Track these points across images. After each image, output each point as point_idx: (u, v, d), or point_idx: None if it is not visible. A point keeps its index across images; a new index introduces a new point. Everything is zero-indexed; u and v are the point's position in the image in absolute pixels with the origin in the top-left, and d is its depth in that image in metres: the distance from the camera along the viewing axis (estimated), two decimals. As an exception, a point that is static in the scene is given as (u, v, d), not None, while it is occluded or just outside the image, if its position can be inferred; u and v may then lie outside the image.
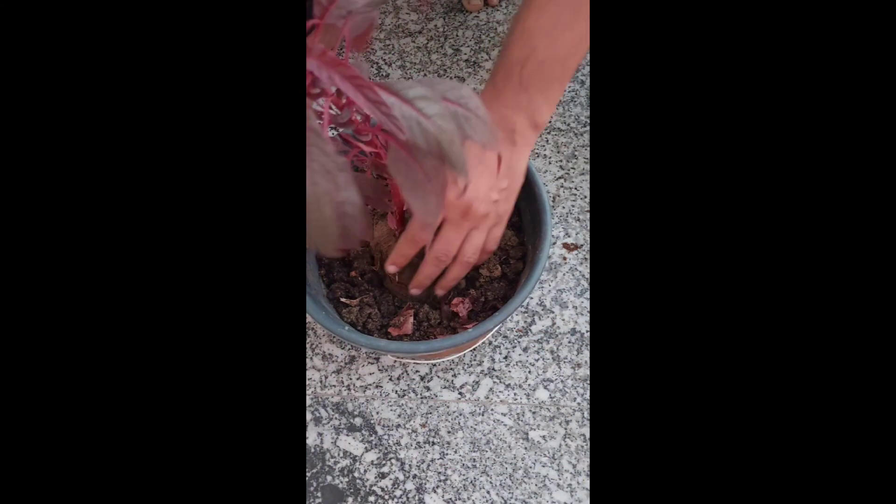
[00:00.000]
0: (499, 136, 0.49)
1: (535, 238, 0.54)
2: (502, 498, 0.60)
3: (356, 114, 0.37)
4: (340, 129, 0.40)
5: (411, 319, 0.56)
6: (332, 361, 0.67)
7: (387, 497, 0.61)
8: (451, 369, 0.65)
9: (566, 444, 0.62)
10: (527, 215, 0.58)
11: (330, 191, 0.29)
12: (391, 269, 0.54)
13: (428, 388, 0.65)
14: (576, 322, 0.67)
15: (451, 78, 0.80)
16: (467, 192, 0.48)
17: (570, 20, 0.46)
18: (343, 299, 0.58)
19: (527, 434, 0.63)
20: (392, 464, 0.62)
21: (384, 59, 0.82)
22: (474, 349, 0.66)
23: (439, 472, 0.62)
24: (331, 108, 0.35)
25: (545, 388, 0.64)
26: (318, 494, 0.62)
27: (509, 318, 0.67)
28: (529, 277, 0.52)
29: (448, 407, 0.64)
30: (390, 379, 0.66)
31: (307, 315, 0.53)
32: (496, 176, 0.49)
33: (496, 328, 0.59)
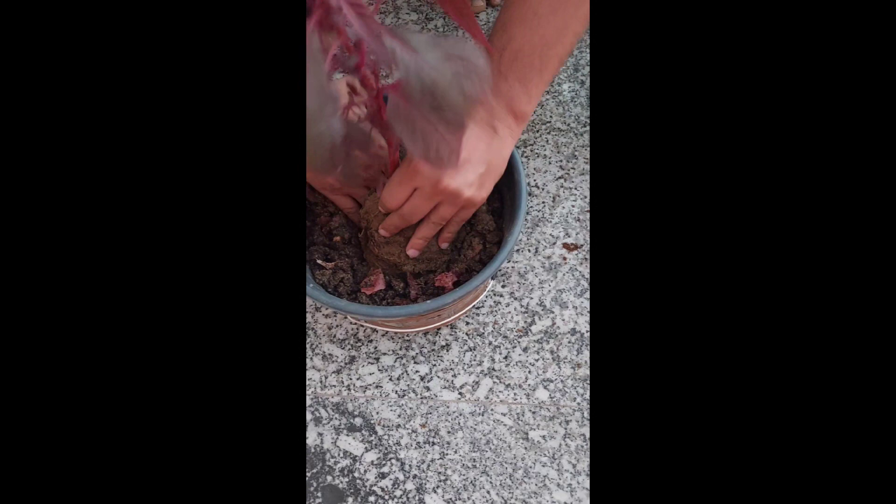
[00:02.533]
0: (476, 122, 0.49)
1: (511, 224, 0.55)
2: (502, 498, 0.60)
3: (363, 60, 0.37)
4: (346, 75, 0.40)
5: (382, 276, 0.57)
6: (332, 361, 0.67)
7: (387, 497, 0.61)
8: (451, 369, 0.66)
9: (566, 444, 0.62)
10: (507, 201, 0.58)
11: (320, 111, 0.30)
12: (413, 253, 0.55)
13: (428, 388, 0.65)
14: (576, 322, 0.67)
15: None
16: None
17: (549, 12, 0.47)
18: (319, 261, 0.59)
19: (527, 434, 0.63)
20: (392, 464, 0.62)
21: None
22: (473, 349, 0.66)
23: (439, 472, 0.62)
24: (338, 49, 0.34)
25: (545, 388, 0.64)
26: (318, 494, 0.62)
27: (509, 318, 0.67)
28: (493, 261, 0.52)
29: (448, 407, 0.64)
30: (390, 379, 0.66)
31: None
32: (475, 161, 0.49)
33: (465, 311, 0.59)
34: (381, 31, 0.31)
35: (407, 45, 0.33)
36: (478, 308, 0.68)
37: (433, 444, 0.63)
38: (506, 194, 0.59)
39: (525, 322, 0.67)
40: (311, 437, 0.64)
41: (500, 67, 0.49)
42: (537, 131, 0.77)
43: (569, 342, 0.66)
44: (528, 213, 0.72)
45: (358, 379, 0.66)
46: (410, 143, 0.36)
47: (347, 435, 0.64)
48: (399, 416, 0.64)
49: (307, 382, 0.66)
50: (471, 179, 0.49)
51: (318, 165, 0.33)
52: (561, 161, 0.75)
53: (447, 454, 0.62)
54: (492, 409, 0.64)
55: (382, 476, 0.62)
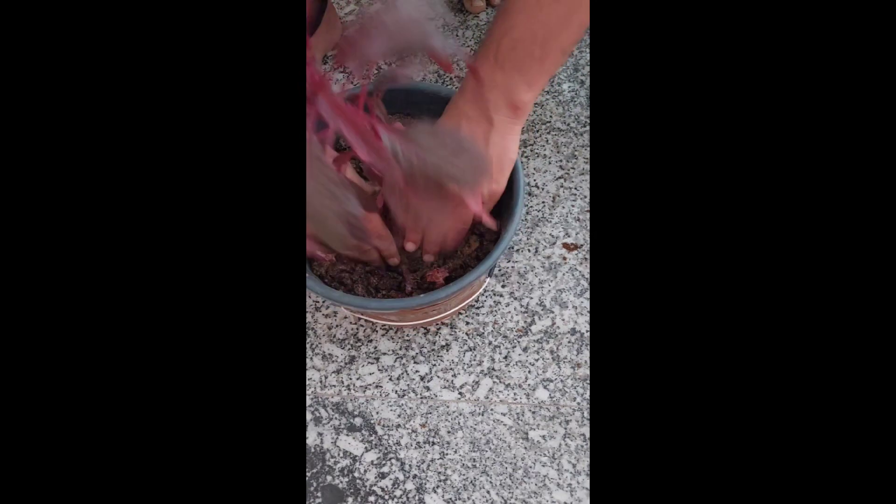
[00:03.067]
0: (474, 116, 0.50)
1: (508, 221, 0.55)
2: (502, 498, 0.60)
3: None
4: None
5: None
6: (332, 361, 0.67)
7: (387, 497, 0.61)
8: (451, 369, 0.66)
9: (566, 444, 0.62)
10: (505, 199, 0.58)
11: (335, 207, 0.34)
12: (410, 247, 0.57)
13: (428, 388, 0.65)
14: (576, 322, 0.67)
15: (449, 77, 0.80)
16: None
17: (552, 0, 0.46)
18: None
19: (527, 434, 0.63)
20: (392, 464, 0.62)
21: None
22: (473, 349, 0.66)
23: (439, 472, 0.62)
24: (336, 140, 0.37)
25: (545, 387, 0.64)
26: (318, 494, 0.62)
27: (509, 318, 0.67)
28: (488, 257, 0.53)
29: (448, 407, 0.64)
30: (390, 379, 0.66)
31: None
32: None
33: (460, 307, 0.58)
34: (375, 134, 0.33)
35: (406, 140, 0.35)
36: (478, 308, 0.68)
37: (433, 443, 0.63)
38: (504, 192, 0.59)
39: (525, 322, 0.67)
40: (311, 437, 0.64)
41: (497, 57, 0.48)
42: (537, 131, 0.77)
43: (569, 342, 0.66)
44: (528, 213, 0.72)
45: (358, 379, 0.66)
46: (401, 216, 0.40)
47: (347, 435, 0.64)
48: (399, 415, 0.64)
49: (307, 382, 0.66)
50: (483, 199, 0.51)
51: (338, 246, 0.35)
52: (561, 161, 0.75)
53: (447, 454, 0.62)
54: (492, 409, 0.64)
55: (382, 476, 0.62)
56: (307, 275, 0.54)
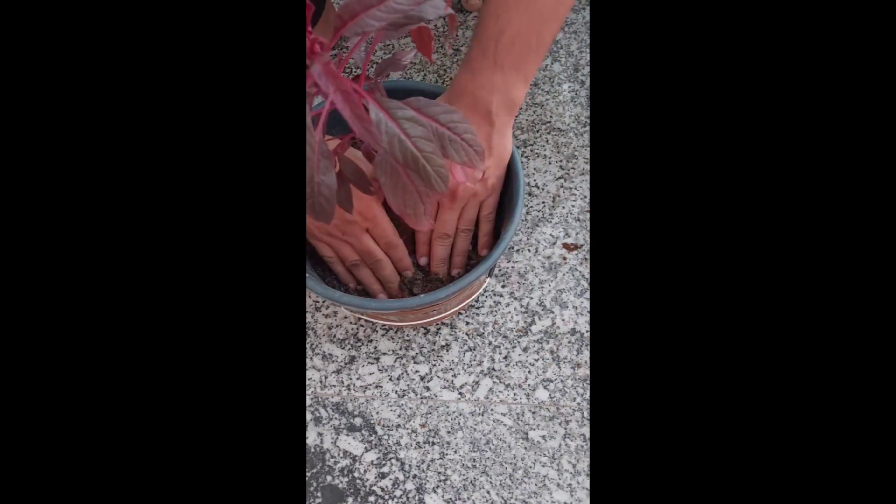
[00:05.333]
0: (475, 119, 0.51)
1: (508, 221, 0.55)
2: (502, 498, 0.60)
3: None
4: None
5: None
6: (332, 361, 0.67)
7: (387, 497, 0.61)
8: (451, 369, 0.66)
9: (566, 444, 0.62)
10: (506, 199, 0.59)
11: (317, 168, 0.34)
12: (423, 261, 0.59)
13: (428, 388, 0.65)
14: (576, 322, 0.67)
15: (450, 77, 0.80)
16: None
17: None
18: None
19: (527, 434, 0.63)
20: (392, 464, 0.62)
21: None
22: (473, 349, 0.66)
23: (439, 472, 0.62)
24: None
25: (545, 388, 0.64)
26: (318, 494, 0.62)
27: (509, 318, 0.67)
28: (488, 257, 0.53)
29: (448, 407, 0.64)
30: (390, 379, 0.66)
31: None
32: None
33: (459, 307, 0.58)
34: (362, 107, 0.33)
35: (393, 119, 0.35)
36: (478, 308, 0.68)
37: (433, 444, 0.63)
38: (504, 192, 0.59)
39: (525, 322, 0.67)
40: (311, 437, 0.64)
41: (495, 58, 0.48)
42: (537, 131, 0.77)
43: (569, 342, 0.66)
44: (528, 213, 0.72)
45: (358, 379, 0.66)
46: (391, 196, 0.39)
47: (347, 435, 0.64)
48: (399, 416, 0.64)
49: (307, 382, 0.66)
50: (479, 175, 0.51)
51: (318, 213, 0.35)
52: (561, 161, 0.75)
53: (447, 454, 0.62)
54: (492, 409, 0.64)
55: (382, 476, 0.62)
56: (307, 275, 0.54)
